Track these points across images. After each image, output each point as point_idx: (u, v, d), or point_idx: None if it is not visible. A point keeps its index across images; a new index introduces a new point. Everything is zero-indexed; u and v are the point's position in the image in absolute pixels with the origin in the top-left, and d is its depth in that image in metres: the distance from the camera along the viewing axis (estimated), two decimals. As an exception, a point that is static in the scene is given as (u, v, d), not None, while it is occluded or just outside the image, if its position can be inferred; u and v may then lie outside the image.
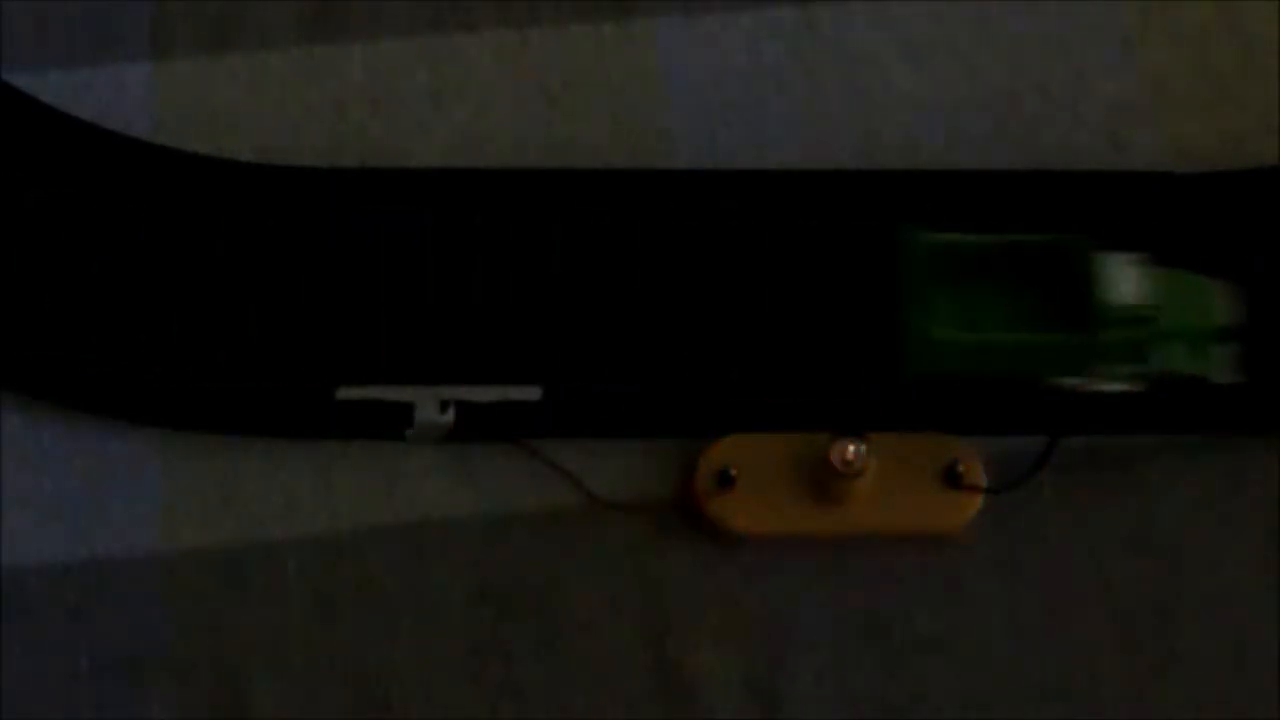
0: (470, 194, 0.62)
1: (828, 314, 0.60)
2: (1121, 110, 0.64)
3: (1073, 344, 0.59)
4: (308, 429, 0.60)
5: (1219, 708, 0.58)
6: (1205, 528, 0.60)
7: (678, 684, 0.58)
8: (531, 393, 0.59)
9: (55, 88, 0.64)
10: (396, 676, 0.58)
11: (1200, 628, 0.59)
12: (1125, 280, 0.59)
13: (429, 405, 0.59)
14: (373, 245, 0.61)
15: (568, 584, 0.59)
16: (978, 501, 0.59)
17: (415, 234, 0.61)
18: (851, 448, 0.58)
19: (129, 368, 0.60)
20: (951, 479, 0.59)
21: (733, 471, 0.59)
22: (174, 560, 0.59)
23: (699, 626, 0.59)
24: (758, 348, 0.60)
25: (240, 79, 0.64)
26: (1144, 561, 0.59)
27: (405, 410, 0.59)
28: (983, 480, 0.59)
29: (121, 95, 0.64)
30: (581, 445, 0.60)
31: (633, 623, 0.59)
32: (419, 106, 0.64)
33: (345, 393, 0.59)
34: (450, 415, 0.59)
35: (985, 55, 0.65)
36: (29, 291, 0.60)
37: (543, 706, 0.58)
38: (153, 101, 0.64)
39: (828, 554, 0.59)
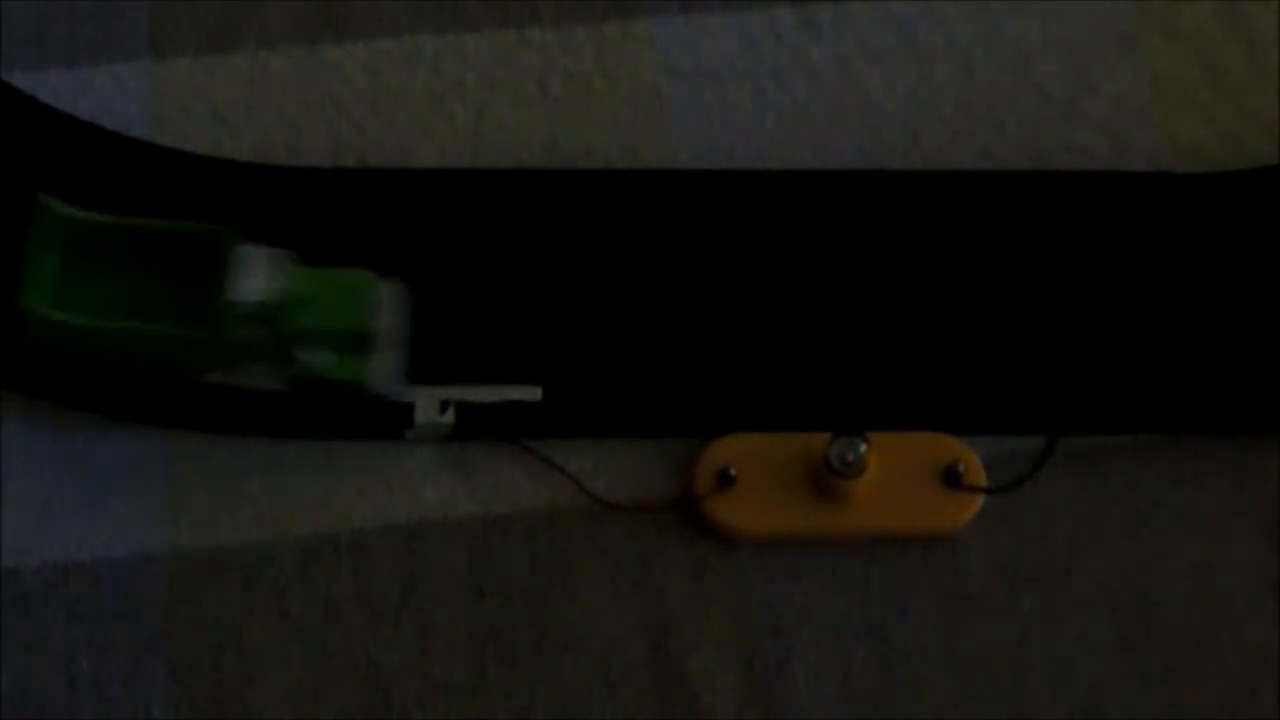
0: (470, 194, 0.62)
1: (836, 315, 0.60)
2: (1121, 110, 0.64)
3: (199, 338, 0.56)
4: (308, 429, 0.60)
5: (1219, 707, 0.58)
6: (1204, 528, 0.60)
7: (678, 684, 0.58)
8: (531, 393, 0.59)
9: (55, 88, 0.64)
10: (396, 676, 0.58)
11: (1200, 628, 0.59)
12: (256, 275, 0.56)
13: (429, 405, 0.59)
14: (372, 245, 0.61)
15: (568, 584, 0.59)
16: (978, 501, 0.59)
17: (415, 234, 0.61)
18: (851, 448, 0.58)
19: (129, 368, 0.60)
20: (951, 479, 0.59)
21: (733, 471, 0.59)
22: (174, 560, 0.59)
23: (699, 626, 0.59)
24: (760, 350, 0.60)
25: (240, 79, 0.64)
26: (1143, 562, 0.59)
27: (405, 410, 0.59)
28: (983, 480, 0.59)
29: (121, 95, 0.64)
30: (581, 445, 0.60)
31: (633, 623, 0.59)
32: (419, 106, 0.64)
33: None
34: (450, 415, 0.59)
35: (985, 55, 0.65)
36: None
37: (543, 706, 0.58)
38: (152, 101, 0.64)
39: (828, 554, 0.59)
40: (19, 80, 0.63)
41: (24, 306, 0.56)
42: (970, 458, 0.59)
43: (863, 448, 0.58)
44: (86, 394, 0.60)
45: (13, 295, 0.56)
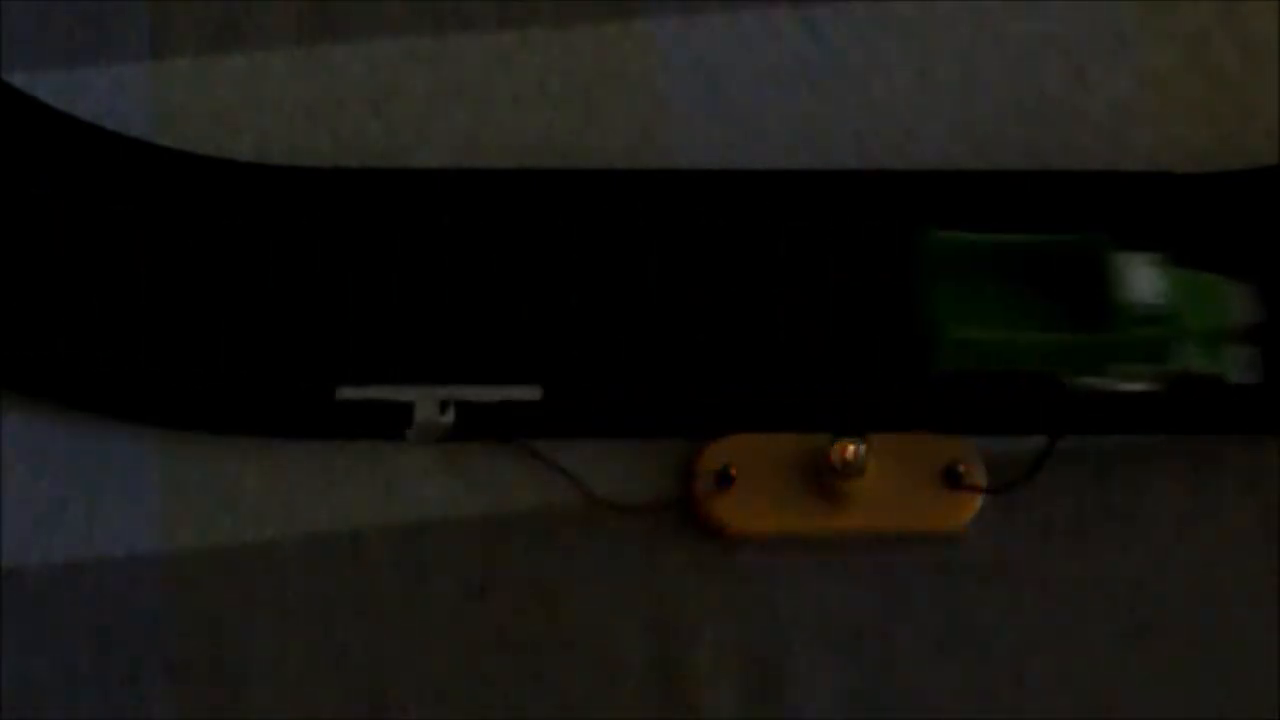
0: (470, 194, 0.62)
1: (840, 316, 0.60)
2: (1121, 110, 0.64)
3: (1092, 343, 0.59)
4: (308, 429, 0.60)
5: (1219, 707, 0.58)
6: (1205, 528, 0.60)
7: (678, 684, 0.58)
8: (531, 393, 0.59)
9: (55, 88, 0.63)
10: (396, 676, 0.58)
11: (1201, 628, 0.59)
12: (1143, 279, 0.59)
13: (429, 405, 0.59)
14: (372, 245, 0.61)
15: (568, 584, 0.59)
16: (978, 501, 0.59)
17: (415, 234, 0.61)
18: (851, 448, 0.58)
19: (129, 368, 0.60)
20: (951, 479, 0.59)
21: (732, 471, 0.59)
22: (174, 560, 0.59)
23: (699, 626, 0.59)
24: (760, 350, 0.60)
25: (240, 79, 0.64)
26: (1144, 562, 0.59)
27: (405, 410, 0.59)
28: (983, 480, 0.59)
29: (121, 95, 0.64)
30: (581, 445, 0.60)
31: (633, 622, 0.59)
32: (419, 106, 0.64)
33: (345, 393, 0.59)
34: (450, 415, 0.59)
35: (985, 55, 0.65)
36: (29, 291, 0.60)
37: (543, 706, 0.58)
38: (152, 101, 0.64)
39: (828, 554, 0.59)
40: (19, 80, 0.63)
41: (932, 328, 0.59)
42: (970, 458, 0.59)
43: (863, 448, 0.58)
44: (86, 394, 0.60)
45: (913, 323, 0.59)
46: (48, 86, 0.63)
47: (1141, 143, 0.64)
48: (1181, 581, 0.59)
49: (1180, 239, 0.61)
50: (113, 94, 0.64)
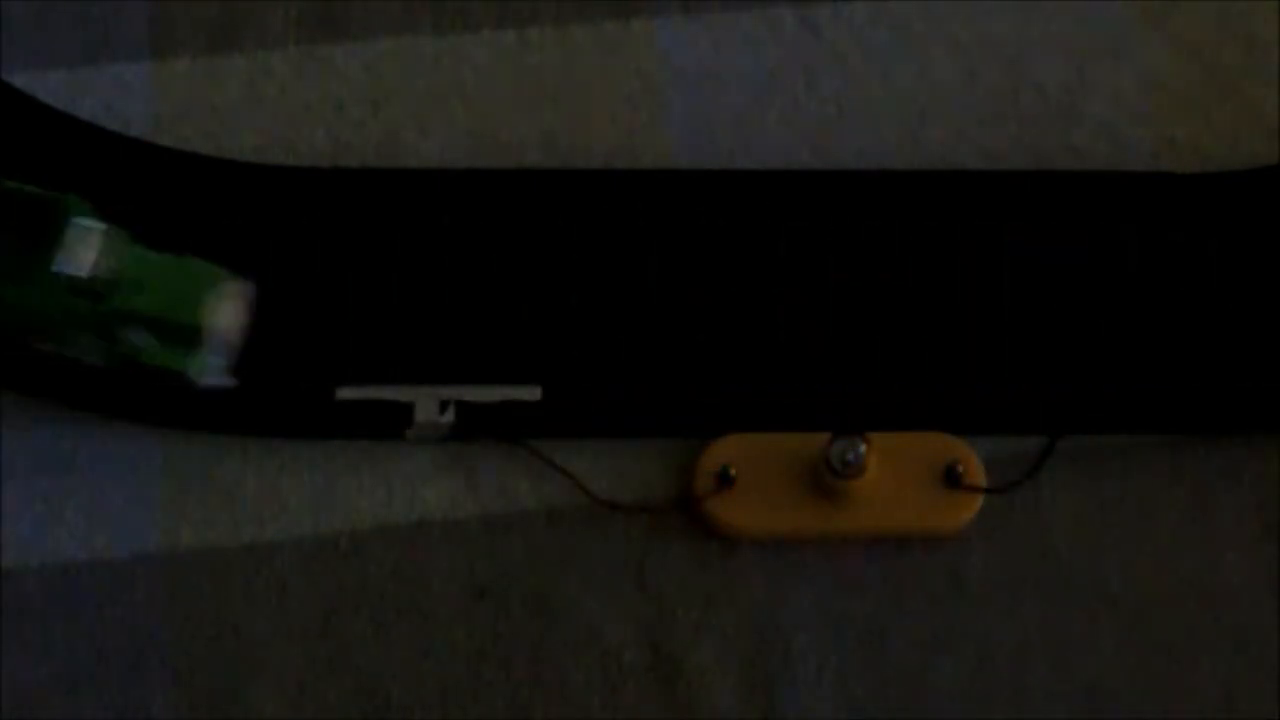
0: (470, 194, 0.62)
1: (839, 316, 0.60)
2: (1121, 110, 0.64)
3: (19, 299, 0.56)
4: (308, 429, 0.60)
5: (1219, 707, 0.58)
6: (1205, 528, 0.60)
7: (678, 683, 0.58)
8: (531, 393, 0.59)
9: (55, 88, 0.64)
10: (396, 676, 0.58)
11: (1200, 627, 0.59)
12: (87, 249, 0.56)
13: (429, 405, 0.59)
14: (372, 245, 0.61)
15: (568, 584, 0.59)
16: (978, 501, 0.59)
17: (415, 234, 0.61)
18: (851, 448, 0.58)
19: (129, 368, 0.60)
20: (951, 479, 0.59)
21: (732, 471, 0.59)
22: (174, 560, 0.59)
23: (699, 626, 0.59)
24: (760, 350, 0.60)
25: (240, 79, 0.64)
26: (1144, 562, 0.59)
27: (405, 410, 0.59)
28: (983, 480, 0.59)
29: (121, 95, 0.64)
30: (581, 445, 0.60)
31: (633, 623, 0.59)
32: (419, 106, 0.64)
33: (345, 393, 0.59)
34: (450, 415, 0.59)
35: (985, 55, 0.65)
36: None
37: (542, 706, 0.58)
38: (153, 101, 0.64)
39: (828, 554, 0.59)
40: (19, 80, 0.63)
41: None
42: (970, 458, 0.59)
43: (863, 448, 0.58)
44: (86, 394, 0.60)
45: None
46: (48, 86, 0.64)
47: (1141, 143, 0.64)
48: (1180, 581, 0.59)
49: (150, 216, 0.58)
50: (113, 94, 0.64)
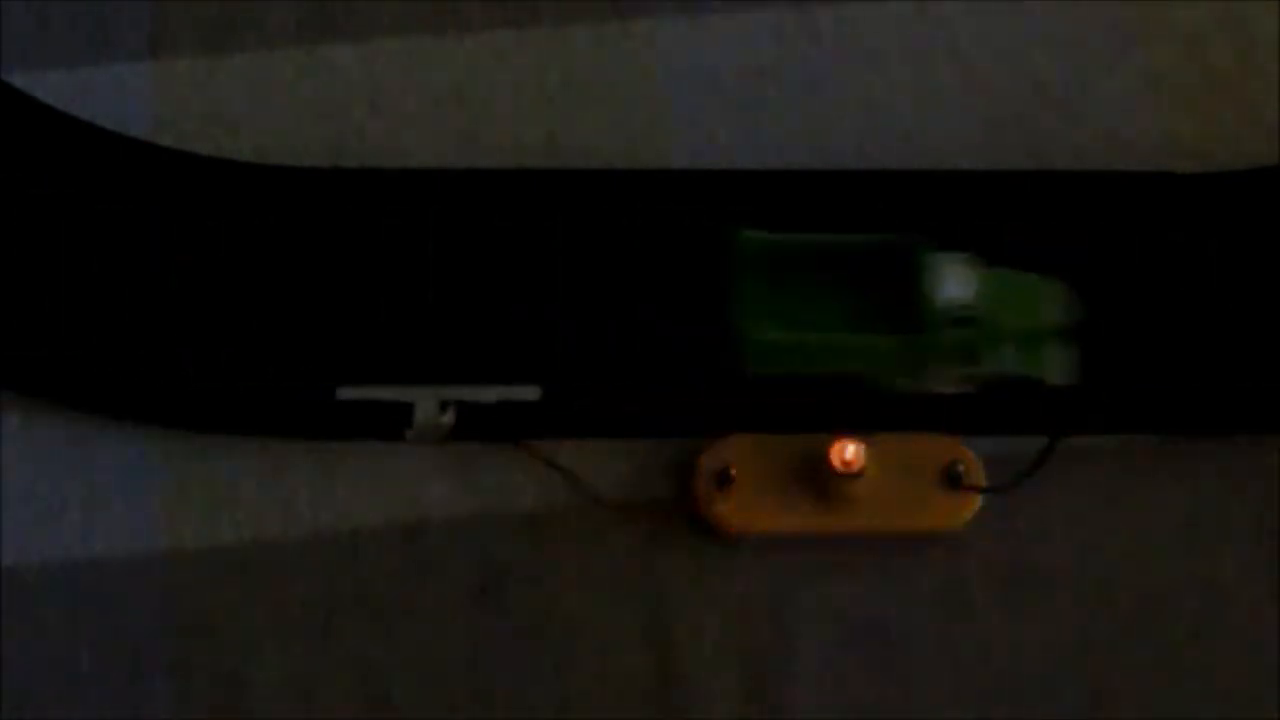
0: (470, 194, 0.62)
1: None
2: (1121, 110, 0.64)
3: (903, 345, 0.59)
4: (308, 429, 0.60)
5: (1219, 707, 0.58)
6: (1205, 528, 0.60)
7: (678, 684, 0.58)
8: (531, 393, 0.59)
9: (55, 88, 0.63)
10: (396, 676, 0.58)
11: (1200, 628, 0.59)
12: (953, 280, 0.59)
13: (429, 405, 0.59)
14: (373, 245, 0.61)
15: (568, 584, 0.59)
16: (978, 501, 0.59)
17: (415, 234, 0.61)
18: (851, 448, 0.58)
19: (129, 368, 0.60)
20: (951, 479, 0.59)
21: (732, 471, 0.59)
22: (174, 560, 0.59)
23: (699, 626, 0.59)
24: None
25: (240, 79, 0.64)
26: (1144, 561, 0.59)
27: (405, 410, 0.59)
28: (983, 480, 0.59)
29: (121, 95, 0.64)
30: (581, 445, 0.60)
31: (633, 622, 0.59)
32: (419, 106, 0.64)
33: (345, 393, 0.59)
34: (450, 415, 0.59)
35: (985, 55, 0.65)
36: (29, 291, 0.60)
37: (543, 706, 0.58)
38: (153, 101, 0.64)
39: (828, 554, 0.59)
40: (19, 80, 0.63)
41: (743, 333, 0.59)
42: (970, 458, 0.59)
43: (863, 448, 0.58)
44: (86, 394, 0.60)
45: (721, 323, 0.59)
46: (48, 86, 0.63)
47: (1141, 143, 0.64)
48: (1181, 581, 0.59)
49: (993, 238, 0.60)
50: (113, 94, 0.64)
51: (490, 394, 0.59)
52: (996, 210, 0.62)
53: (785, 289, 0.60)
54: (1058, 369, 0.59)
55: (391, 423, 0.59)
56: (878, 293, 0.59)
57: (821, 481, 0.58)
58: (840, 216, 0.62)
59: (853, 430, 0.58)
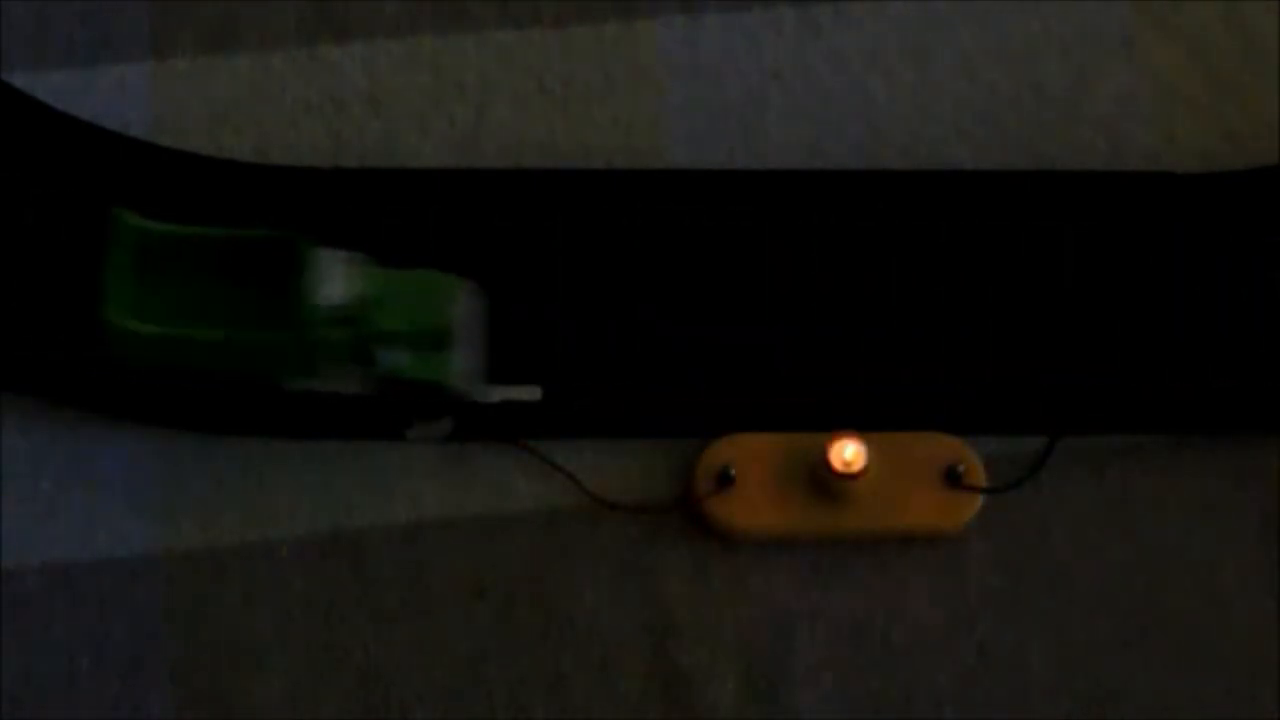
0: (470, 194, 0.62)
1: (833, 312, 0.60)
2: (1121, 110, 0.64)
3: (280, 340, 0.56)
4: (307, 429, 0.60)
5: (1219, 706, 0.58)
6: (1205, 528, 0.60)
7: (678, 683, 0.58)
8: (531, 393, 0.59)
9: (55, 88, 0.64)
10: (396, 676, 0.58)
11: (1200, 627, 0.59)
12: (336, 277, 0.56)
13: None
14: (372, 245, 0.61)
15: (568, 584, 0.59)
16: (978, 501, 0.59)
17: (415, 234, 0.61)
18: (851, 448, 0.58)
19: (128, 368, 0.60)
20: (951, 479, 0.59)
21: (732, 471, 0.59)
22: (174, 560, 0.59)
23: (699, 626, 0.59)
24: (760, 349, 0.60)
25: (240, 79, 0.64)
26: (1143, 561, 0.59)
27: (405, 410, 0.59)
28: (983, 480, 0.59)
29: (121, 95, 0.64)
30: (581, 445, 0.60)
31: (633, 623, 0.59)
32: (419, 106, 0.64)
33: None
34: (450, 416, 0.59)
35: (985, 55, 0.65)
36: (29, 291, 0.60)
37: (542, 706, 0.58)
38: (153, 101, 0.64)
39: (827, 554, 0.59)
40: (19, 80, 0.63)
41: (106, 320, 0.55)
42: (970, 458, 0.59)
43: (863, 448, 0.58)
44: (86, 394, 0.60)
45: (91, 310, 0.55)
46: (48, 86, 0.64)
47: (1142, 143, 0.64)
48: (1181, 581, 0.59)
49: (385, 239, 0.58)
50: (113, 94, 0.64)
51: (490, 394, 0.59)
52: (996, 210, 0.62)
53: (160, 280, 0.56)
54: (459, 373, 0.57)
55: (391, 423, 0.59)
56: (257, 290, 0.56)
57: (821, 481, 0.58)
58: (840, 216, 0.62)
59: (853, 430, 0.58)
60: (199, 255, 0.56)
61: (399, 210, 0.62)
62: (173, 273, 0.56)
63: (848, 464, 0.57)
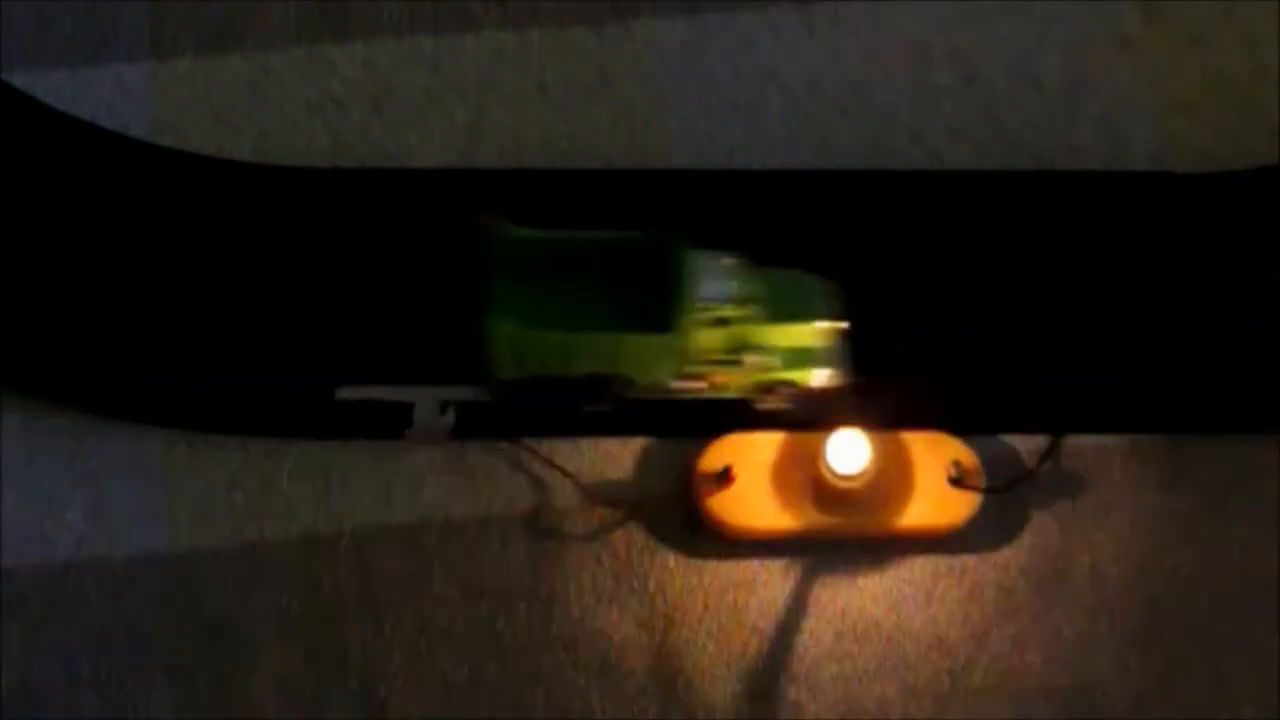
0: (470, 194, 0.62)
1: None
2: (1121, 110, 0.64)
3: (664, 341, 0.56)
4: (308, 429, 0.60)
5: (1219, 707, 0.58)
6: (1206, 528, 0.60)
7: (678, 684, 0.58)
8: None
9: (55, 88, 0.64)
10: (396, 676, 0.58)
11: (1201, 626, 0.59)
12: (719, 278, 0.56)
13: (429, 405, 0.59)
14: (372, 245, 0.61)
15: (568, 584, 0.59)
16: (977, 501, 0.59)
17: (415, 234, 0.61)
18: (851, 448, 0.58)
19: (129, 368, 0.60)
20: (951, 479, 0.59)
21: (732, 471, 0.59)
22: (174, 560, 0.59)
23: (699, 626, 0.59)
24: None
25: (240, 79, 0.64)
26: (1144, 561, 0.59)
27: (405, 410, 0.59)
28: (983, 480, 0.59)
29: (121, 95, 0.64)
30: (581, 445, 0.60)
31: (633, 623, 0.59)
32: (419, 106, 0.64)
33: (345, 393, 0.59)
34: (450, 415, 0.59)
35: (985, 55, 0.65)
36: (29, 291, 0.60)
37: (543, 706, 0.58)
38: (153, 101, 0.64)
39: (828, 554, 0.59)
40: (19, 80, 0.63)
41: (492, 328, 0.56)
42: (970, 458, 0.59)
43: (863, 448, 0.58)
44: (86, 394, 0.60)
45: (474, 319, 0.56)
46: (48, 86, 0.64)
47: (1141, 143, 0.64)
48: (1180, 581, 0.59)
49: (760, 238, 0.58)
50: (113, 94, 0.64)
51: (490, 394, 0.59)
52: (996, 210, 0.62)
53: (536, 286, 0.56)
54: (822, 368, 0.57)
55: (391, 423, 0.59)
56: (633, 290, 0.56)
57: (821, 481, 0.58)
58: (840, 216, 0.62)
59: (853, 430, 0.58)
60: (574, 259, 0.56)
61: (399, 210, 0.62)
62: (551, 279, 0.56)
63: (847, 464, 0.57)
